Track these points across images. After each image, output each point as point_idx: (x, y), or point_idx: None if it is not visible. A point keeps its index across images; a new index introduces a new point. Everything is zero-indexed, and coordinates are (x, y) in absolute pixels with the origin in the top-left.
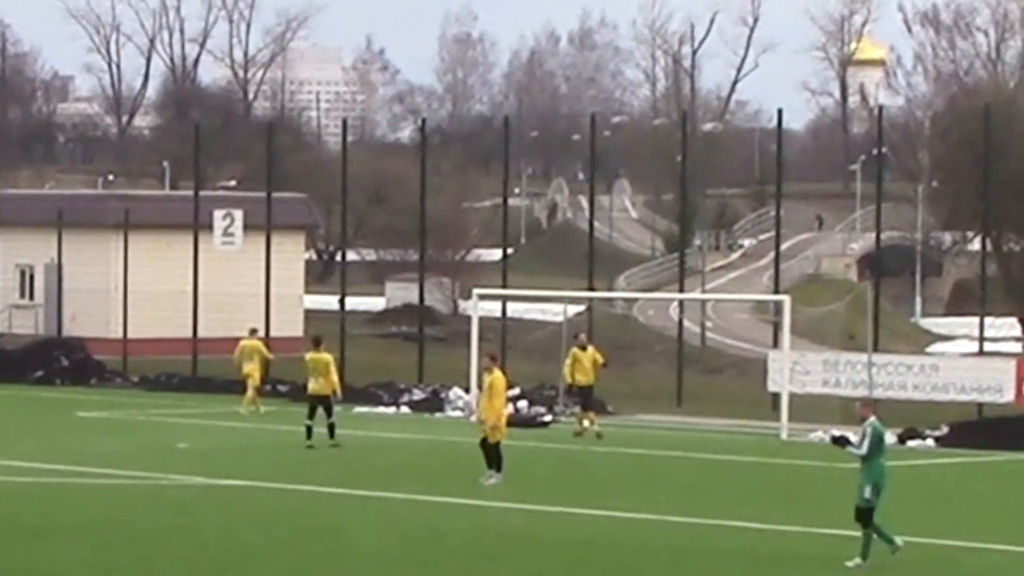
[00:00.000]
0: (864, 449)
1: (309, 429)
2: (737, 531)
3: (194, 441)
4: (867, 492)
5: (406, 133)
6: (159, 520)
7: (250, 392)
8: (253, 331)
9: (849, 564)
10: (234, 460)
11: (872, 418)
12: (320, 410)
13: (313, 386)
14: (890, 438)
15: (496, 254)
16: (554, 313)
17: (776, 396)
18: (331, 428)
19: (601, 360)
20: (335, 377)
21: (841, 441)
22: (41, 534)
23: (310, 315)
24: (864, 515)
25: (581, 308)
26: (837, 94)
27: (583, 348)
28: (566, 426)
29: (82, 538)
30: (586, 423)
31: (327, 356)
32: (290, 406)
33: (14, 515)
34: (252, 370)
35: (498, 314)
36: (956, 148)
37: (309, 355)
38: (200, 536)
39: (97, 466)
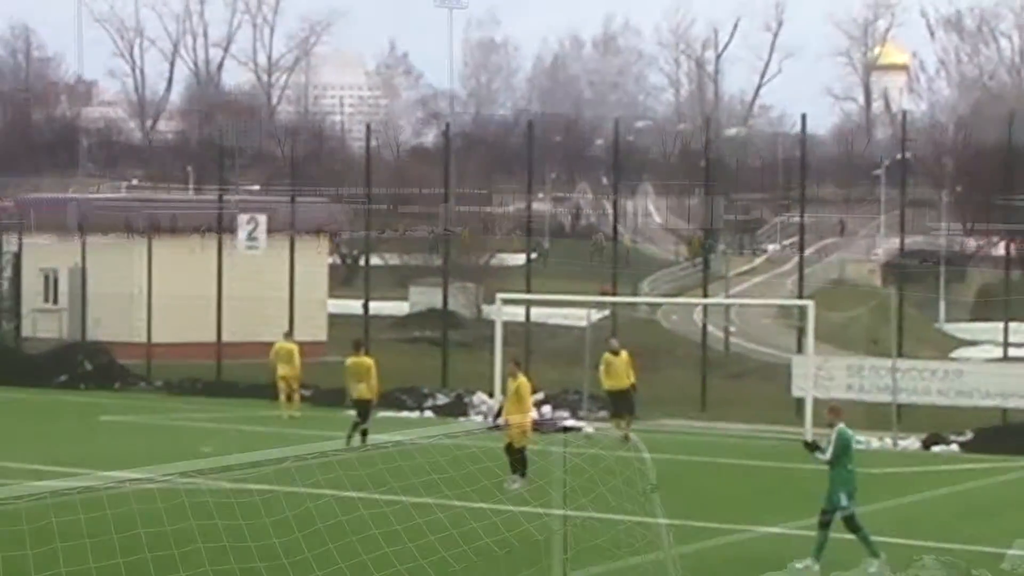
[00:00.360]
0: (828, 455)
1: (355, 425)
2: (762, 537)
3: (218, 445)
4: (843, 500)
5: (430, 137)
6: (182, 524)
7: (295, 397)
8: (287, 333)
9: (872, 569)
10: (258, 464)
11: (840, 425)
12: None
13: (355, 391)
14: (915, 443)
15: (520, 259)
16: (578, 318)
17: (800, 401)
18: (364, 433)
19: (632, 380)
20: (375, 382)
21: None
22: (62, 538)
23: (334, 319)
24: (849, 522)
25: (605, 313)
26: (861, 99)
27: (615, 353)
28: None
29: (103, 542)
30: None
31: (368, 360)
32: (314, 410)
33: (35, 518)
34: (286, 373)
35: (522, 319)
36: (980, 153)
37: (350, 360)
38: (223, 540)
39: (120, 470)
